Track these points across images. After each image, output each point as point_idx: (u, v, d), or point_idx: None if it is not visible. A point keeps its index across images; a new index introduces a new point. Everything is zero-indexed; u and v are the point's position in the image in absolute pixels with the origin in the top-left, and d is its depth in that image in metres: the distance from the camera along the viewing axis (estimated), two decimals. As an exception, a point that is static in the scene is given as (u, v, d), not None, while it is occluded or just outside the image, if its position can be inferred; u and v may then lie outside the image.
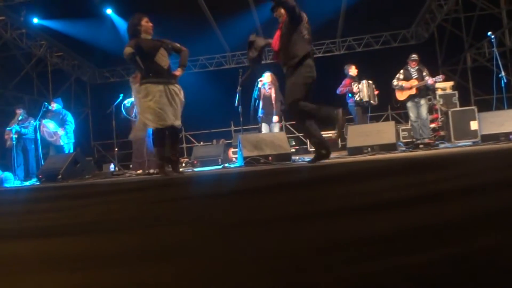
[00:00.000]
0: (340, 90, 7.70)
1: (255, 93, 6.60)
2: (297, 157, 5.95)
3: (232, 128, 12.49)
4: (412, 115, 6.78)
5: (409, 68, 6.83)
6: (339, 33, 12.10)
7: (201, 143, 12.43)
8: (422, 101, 6.80)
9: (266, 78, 6.68)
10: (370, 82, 7.50)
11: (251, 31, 11.13)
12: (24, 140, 7.72)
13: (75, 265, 0.91)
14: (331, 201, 1.71)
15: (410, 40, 12.12)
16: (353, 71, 7.61)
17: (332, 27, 11.55)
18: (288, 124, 12.46)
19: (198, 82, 12.64)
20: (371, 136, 5.18)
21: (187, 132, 13.07)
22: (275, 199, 1.96)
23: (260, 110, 6.65)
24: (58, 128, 7.48)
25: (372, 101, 7.47)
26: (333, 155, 6.61)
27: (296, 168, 3.69)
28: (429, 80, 6.67)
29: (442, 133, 7.81)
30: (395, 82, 6.82)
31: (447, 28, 10.98)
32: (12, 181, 6.79)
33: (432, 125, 8.91)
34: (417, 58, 6.90)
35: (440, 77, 6.82)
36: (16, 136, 7.37)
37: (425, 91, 6.85)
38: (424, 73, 6.73)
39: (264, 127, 6.64)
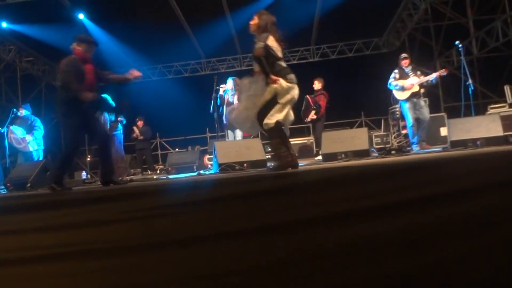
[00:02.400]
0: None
1: (218, 101, 6.48)
2: (272, 164, 5.95)
3: (208, 134, 12.43)
4: (410, 117, 6.48)
5: (403, 67, 6.61)
6: (313, 40, 12.27)
7: (176, 149, 12.32)
8: (422, 102, 6.59)
9: (228, 85, 6.53)
10: (311, 98, 7.81)
11: (226, 37, 11.23)
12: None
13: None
14: (306, 209, 1.70)
15: (382, 48, 12.41)
16: (315, 85, 7.75)
17: (307, 35, 11.70)
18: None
19: (173, 88, 12.56)
20: (345, 142, 5.26)
21: (161, 139, 12.94)
22: (249, 207, 1.95)
23: (224, 117, 6.49)
24: (26, 134, 7.26)
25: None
26: (307, 161, 6.68)
27: (273, 175, 3.69)
28: (434, 74, 6.43)
29: (414, 139, 7.99)
30: (393, 82, 6.56)
31: (417, 37, 11.31)
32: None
33: (404, 131, 9.11)
34: (408, 56, 6.73)
35: (444, 71, 6.57)
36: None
37: (421, 91, 6.64)
38: (419, 72, 6.56)
39: (230, 134, 6.52)
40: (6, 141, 7.21)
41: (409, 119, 6.59)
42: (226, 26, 10.70)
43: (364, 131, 5.84)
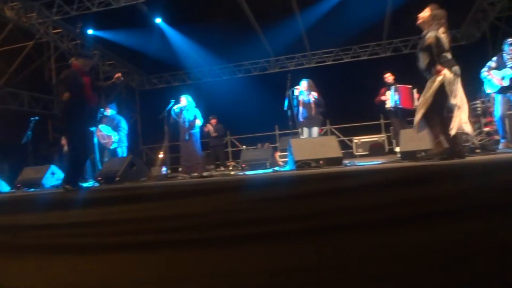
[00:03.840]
0: (376, 100, 7.64)
1: (294, 101, 6.71)
2: (347, 161, 5.91)
3: (277, 132, 12.56)
4: (500, 110, 6.00)
5: (505, 55, 5.98)
6: (385, 35, 11.91)
7: (244, 146, 12.58)
8: None
9: (302, 86, 6.79)
10: (401, 86, 7.24)
11: (295, 35, 11.27)
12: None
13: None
14: (389, 207, 1.71)
15: (460, 40, 11.72)
16: (387, 78, 7.53)
17: (378, 30, 11.39)
18: (333, 128, 12.38)
19: (242, 87, 12.84)
20: (425, 140, 5.04)
21: (232, 136, 13.29)
22: (336, 204, 1.98)
23: (300, 116, 6.75)
24: (113, 132, 7.85)
25: (401, 106, 7.18)
26: (384, 159, 6.53)
27: (357, 171, 3.69)
28: None
29: (497, 137, 7.47)
30: (484, 71, 6.10)
31: (500, 27, 10.54)
32: (73, 183, 7.18)
33: (487, 129, 8.55)
34: None
35: None
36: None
37: None
38: None
39: (305, 131, 6.72)
40: (95, 138, 7.84)
41: (496, 113, 6.16)
42: (295, 24, 10.73)
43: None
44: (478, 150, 5.22)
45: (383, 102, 7.53)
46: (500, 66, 5.96)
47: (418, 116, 4.19)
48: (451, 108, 4.05)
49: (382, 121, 11.74)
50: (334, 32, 11.01)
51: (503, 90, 5.98)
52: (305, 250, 1.05)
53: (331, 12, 9.97)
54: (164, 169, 7.31)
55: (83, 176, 8.08)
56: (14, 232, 2.24)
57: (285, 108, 6.31)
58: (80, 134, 4.81)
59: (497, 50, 10.78)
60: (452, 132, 4.02)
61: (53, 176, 7.22)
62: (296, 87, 6.66)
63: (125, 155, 7.90)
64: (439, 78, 3.97)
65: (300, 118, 6.66)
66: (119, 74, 5.15)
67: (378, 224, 1.29)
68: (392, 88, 7.28)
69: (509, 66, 5.89)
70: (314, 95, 6.63)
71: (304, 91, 6.67)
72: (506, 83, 5.89)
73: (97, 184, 6.19)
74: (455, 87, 3.99)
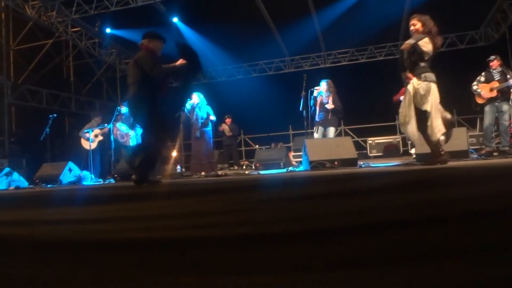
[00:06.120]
0: (394, 98, 7.61)
1: (311, 101, 6.71)
2: (361, 163, 5.89)
3: (291, 132, 12.56)
4: (487, 120, 6.40)
5: (491, 70, 6.46)
6: (402, 36, 11.79)
7: (257, 146, 12.62)
8: (505, 106, 6.36)
9: (322, 87, 6.85)
10: None
11: (311, 35, 11.25)
12: (101, 143, 8.21)
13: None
14: (405, 209, 1.70)
15: (478, 41, 11.56)
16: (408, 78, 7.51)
17: (394, 30, 11.30)
18: (347, 128, 12.33)
19: (256, 86, 12.86)
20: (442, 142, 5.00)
21: (245, 136, 13.33)
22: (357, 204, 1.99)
23: (316, 116, 6.76)
24: (129, 130, 7.95)
25: None
26: (399, 161, 6.49)
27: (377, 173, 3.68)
28: (511, 81, 6.22)
29: None
30: (474, 86, 6.51)
31: (520, 29, 10.37)
32: (89, 179, 7.29)
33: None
34: (494, 58, 6.50)
35: None
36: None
37: (508, 94, 6.43)
38: (509, 75, 6.33)
39: (320, 131, 6.73)
40: (112, 136, 7.95)
41: (485, 121, 6.48)
42: (311, 24, 10.72)
43: (463, 131, 5.53)
44: (495, 154, 5.16)
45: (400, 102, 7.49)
46: (488, 79, 6.44)
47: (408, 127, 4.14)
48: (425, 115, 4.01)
49: (397, 122, 11.64)
50: (350, 33, 10.97)
51: (491, 100, 6.41)
52: (315, 251, 1.06)
53: (347, 13, 9.93)
54: (178, 167, 7.36)
55: (104, 173, 8.15)
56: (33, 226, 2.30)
57: (300, 108, 6.31)
58: (157, 125, 4.15)
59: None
60: (433, 138, 3.98)
61: (70, 173, 7.34)
62: (315, 87, 6.67)
63: (141, 152, 7.97)
64: (408, 87, 3.98)
65: (317, 118, 6.68)
66: (183, 60, 4.29)
67: (392, 226, 1.30)
68: None
69: (496, 79, 6.36)
70: (331, 104, 6.63)
71: (323, 92, 6.69)
72: (493, 94, 6.34)
73: (113, 181, 6.28)
74: (424, 94, 3.94)
